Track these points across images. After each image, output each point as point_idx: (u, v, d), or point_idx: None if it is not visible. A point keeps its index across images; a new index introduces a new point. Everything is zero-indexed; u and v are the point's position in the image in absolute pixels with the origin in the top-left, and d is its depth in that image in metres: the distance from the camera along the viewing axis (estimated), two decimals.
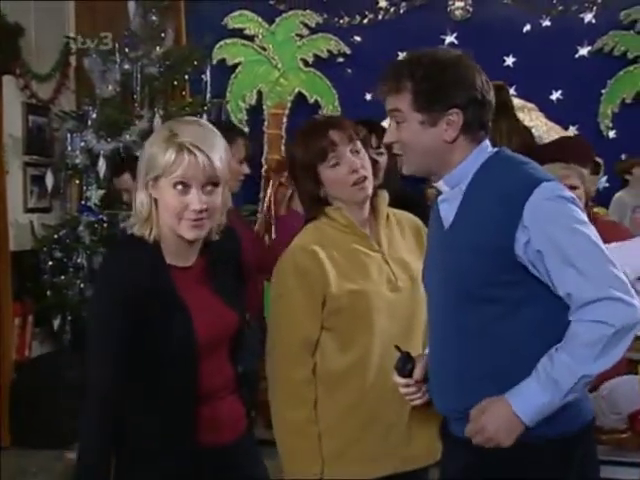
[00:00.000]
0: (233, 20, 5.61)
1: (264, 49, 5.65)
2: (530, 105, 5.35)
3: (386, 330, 2.05)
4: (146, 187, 1.85)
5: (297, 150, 2.16)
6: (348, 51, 5.57)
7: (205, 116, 4.80)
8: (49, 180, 4.94)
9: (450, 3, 5.49)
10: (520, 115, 4.43)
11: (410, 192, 3.29)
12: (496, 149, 1.85)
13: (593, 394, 2.77)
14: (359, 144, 2.14)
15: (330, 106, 5.55)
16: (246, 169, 3.36)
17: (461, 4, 5.47)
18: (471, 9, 5.46)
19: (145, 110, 4.84)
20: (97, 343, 1.86)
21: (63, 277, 4.79)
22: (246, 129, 5.27)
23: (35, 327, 4.95)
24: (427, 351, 1.97)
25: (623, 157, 5.41)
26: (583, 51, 5.43)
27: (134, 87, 4.88)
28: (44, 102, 5.22)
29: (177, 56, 5.05)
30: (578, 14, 5.42)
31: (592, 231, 1.71)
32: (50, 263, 4.80)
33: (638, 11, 5.31)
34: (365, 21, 5.57)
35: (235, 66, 5.63)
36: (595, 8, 5.39)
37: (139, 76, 4.86)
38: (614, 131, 5.42)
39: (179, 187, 1.81)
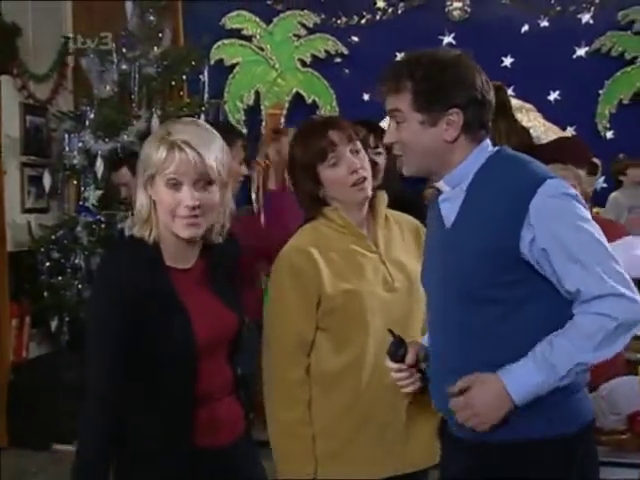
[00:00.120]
0: (231, 20, 5.62)
1: (262, 49, 5.65)
2: (528, 105, 5.35)
3: (381, 330, 2.03)
4: (145, 188, 1.85)
5: (296, 150, 2.16)
6: (346, 51, 5.58)
7: (203, 116, 4.80)
8: (47, 180, 4.93)
9: (448, 3, 5.50)
10: (518, 115, 4.42)
11: (409, 193, 3.28)
12: (497, 148, 1.85)
13: (593, 394, 2.76)
14: (359, 144, 2.13)
15: (328, 106, 5.56)
16: (245, 170, 3.36)
17: (459, 4, 5.48)
18: (469, 9, 5.48)
19: (143, 110, 4.83)
20: (95, 343, 1.85)
21: (61, 278, 4.78)
22: (244, 129, 5.27)
23: (32, 328, 4.94)
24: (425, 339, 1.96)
25: (621, 156, 5.41)
26: (581, 52, 5.44)
27: (132, 87, 4.87)
28: (41, 102, 5.21)
29: (175, 56, 5.05)
30: (576, 14, 5.44)
31: (596, 228, 1.72)
32: (48, 264, 4.79)
33: (635, 12, 5.33)
34: (363, 21, 5.58)
35: (233, 66, 5.63)
36: (593, 9, 5.40)
37: (137, 76, 4.85)
38: (612, 131, 5.44)
39: (171, 184, 1.81)
